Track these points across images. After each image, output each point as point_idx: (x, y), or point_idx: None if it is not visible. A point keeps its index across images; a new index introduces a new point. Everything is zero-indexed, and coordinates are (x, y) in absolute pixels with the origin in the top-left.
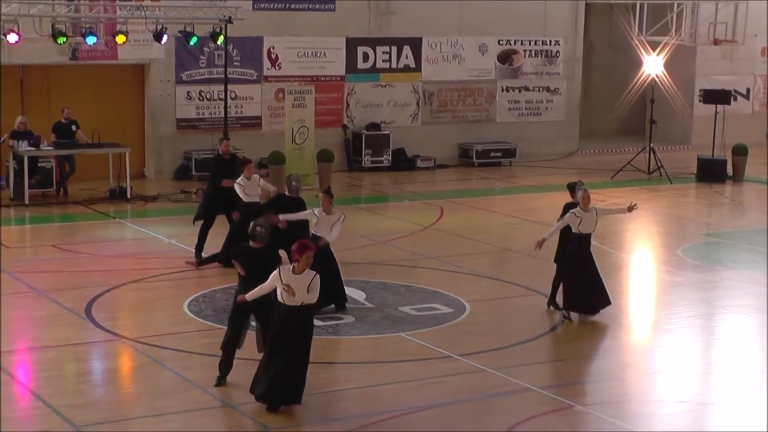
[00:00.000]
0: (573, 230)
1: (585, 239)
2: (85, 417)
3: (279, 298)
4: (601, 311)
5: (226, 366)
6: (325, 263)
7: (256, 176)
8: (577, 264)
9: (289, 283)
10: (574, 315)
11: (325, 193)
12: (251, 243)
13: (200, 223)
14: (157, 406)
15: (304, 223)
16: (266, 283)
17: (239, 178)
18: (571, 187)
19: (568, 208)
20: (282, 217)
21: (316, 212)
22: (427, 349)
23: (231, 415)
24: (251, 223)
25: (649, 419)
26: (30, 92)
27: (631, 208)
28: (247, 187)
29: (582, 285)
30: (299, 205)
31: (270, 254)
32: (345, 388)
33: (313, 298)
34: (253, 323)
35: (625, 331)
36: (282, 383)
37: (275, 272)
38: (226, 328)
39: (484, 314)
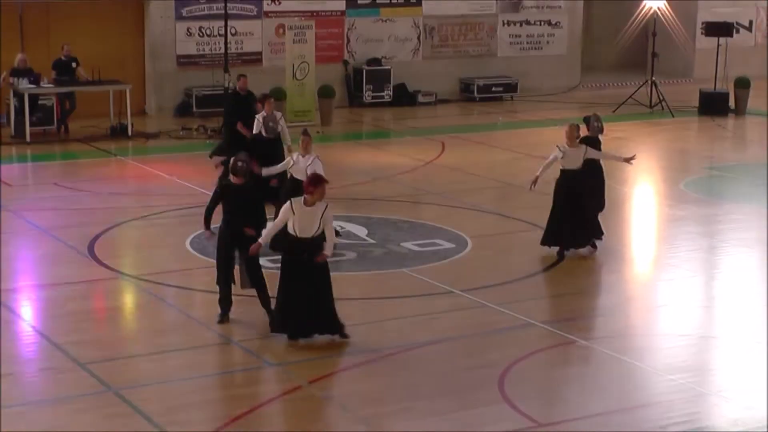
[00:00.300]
0: (560, 166)
1: (569, 175)
2: (88, 354)
3: (290, 230)
4: (591, 246)
5: (226, 302)
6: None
7: (278, 113)
8: (558, 200)
9: (301, 215)
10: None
11: (304, 134)
12: (232, 178)
13: (217, 158)
14: (159, 343)
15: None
16: (278, 218)
17: (259, 114)
18: (587, 120)
19: (584, 141)
20: (264, 172)
21: (293, 157)
22: (430, 285)
23: (233, 351)
24: (234, 158)
25: (652, 353)
26: (29, 29)
27: (628, 160)
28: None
29: (560, 221)
30: (276, 147)
31: (252, 190)
32: (348, 324)
33: (330, 230)
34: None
35: (627, 266)
36: (312, 317)
37: (287, 205)
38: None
39: (487, 249)
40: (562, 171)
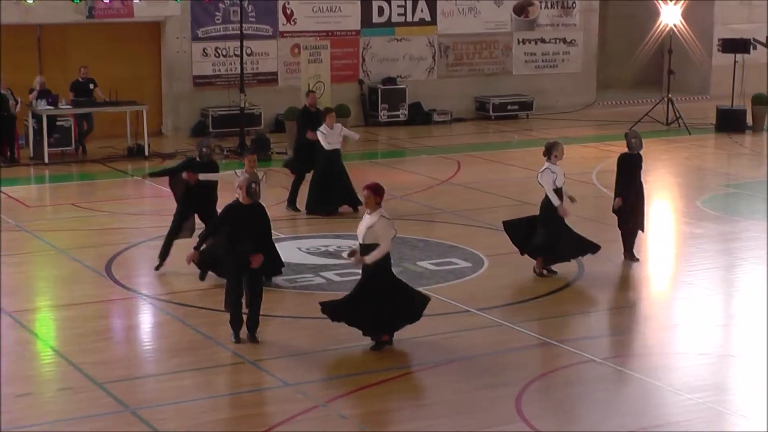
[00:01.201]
0: (553, 186)
1: (561, 193)
2: (105, 374)
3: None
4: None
5: (237, 323)
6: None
7: (338, 125)
8: (554, 218)
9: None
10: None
11: (328, 110)
12: (242, 199)
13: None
14: (176, 362)
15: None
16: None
17: (321, 127)
18: (626, 137)
19: (622, 158)
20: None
21: (323, 129)
22: (446, 304)
23: (250, 371)
24: (247, 180)
25: (670, 372)
26: (47, 51)
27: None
28: (329, 136)
29: (557, 237)
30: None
31: (259, 210)
32: (364, 344)
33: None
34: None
35: (644, 284)
36: (396, 313)
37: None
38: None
39: (503, 268)
40: (556, 191)
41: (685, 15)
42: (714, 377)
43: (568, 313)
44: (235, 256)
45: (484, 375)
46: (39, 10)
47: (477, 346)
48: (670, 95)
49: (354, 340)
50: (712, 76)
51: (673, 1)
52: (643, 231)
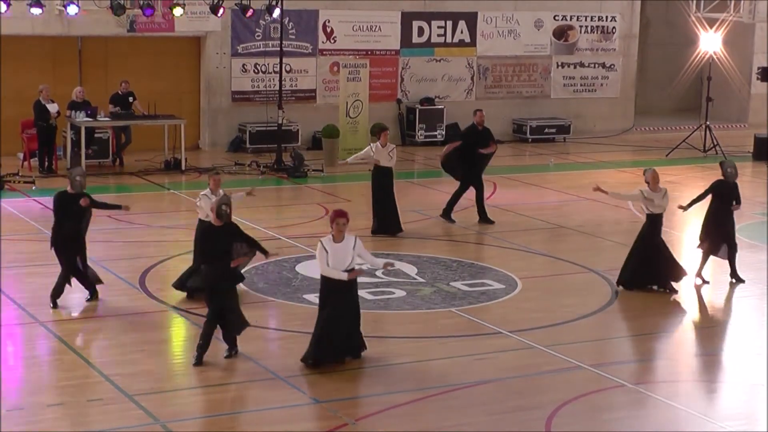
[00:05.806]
0: (646, 211)
1: (657, 219)
2: (136, 386)
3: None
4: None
5: (207, 341)
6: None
7: (391, 145)
8: (649, 244)
9: (333, 251)
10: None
11: (381, 130)
12: (215, 221)
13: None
14: (207, 376)
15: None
16: (319, 260)
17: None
18: (722, 166)
19: (717, 184)
20: (350, 160)
21: (373, 147)
22: (478, 325)
23: (281, 387)
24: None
25: (703, 399)
26: (88, 63)
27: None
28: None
29: (651, 264)
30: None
31: (232, 230)
32: (395, 363)
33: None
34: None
35: (677, 311)
36: (344, 340)
37: (319, 245)
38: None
39: (536, 291)
40: (649, 216)
41: (725, 43)
42: (746, 406)
43: (601, 338)
44: (212, 277)
45: (515, 397)
46: (81, 23)
47: (508, 369)
48: (707, 122)
49: (384, 359)
50: (750, 104)
51: (713, 29)
52: (715, 255)
